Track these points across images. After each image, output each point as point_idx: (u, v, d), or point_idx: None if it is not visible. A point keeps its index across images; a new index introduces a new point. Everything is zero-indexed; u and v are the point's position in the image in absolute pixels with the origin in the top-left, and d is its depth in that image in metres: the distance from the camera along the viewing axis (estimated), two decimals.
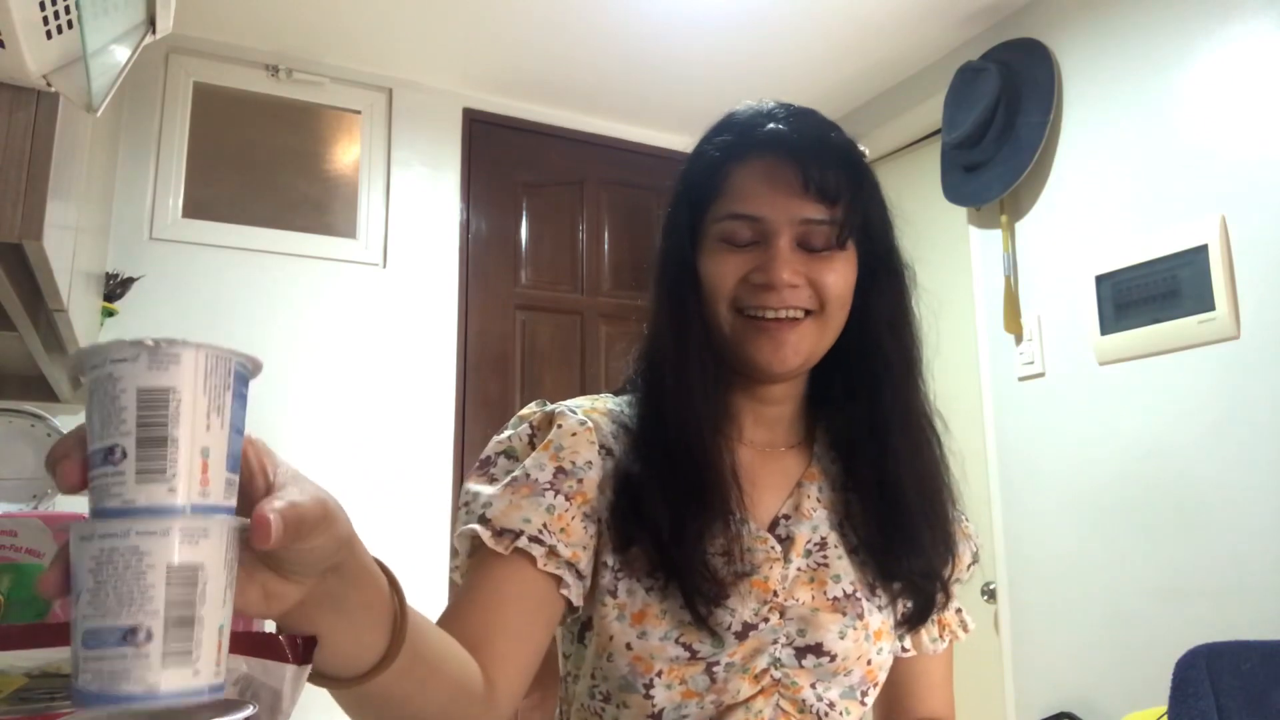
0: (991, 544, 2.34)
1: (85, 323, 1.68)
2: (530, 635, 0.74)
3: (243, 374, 0.58)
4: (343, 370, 2.55)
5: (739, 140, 0.84)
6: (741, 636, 0.78)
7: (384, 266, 2.67)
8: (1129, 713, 1.74)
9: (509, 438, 0.83)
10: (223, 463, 0.56)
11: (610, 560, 0.80)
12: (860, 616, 0.82)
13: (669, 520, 0.77)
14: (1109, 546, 2.04)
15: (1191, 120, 1.95)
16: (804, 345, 0.81)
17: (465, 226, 2.82)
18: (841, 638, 0.81)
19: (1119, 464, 2.04)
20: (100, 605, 0.50)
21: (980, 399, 2.42)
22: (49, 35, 0.85)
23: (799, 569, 0.82)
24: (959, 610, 0.94)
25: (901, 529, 0.83)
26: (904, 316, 0.88)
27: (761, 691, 0.79)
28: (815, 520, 0.85)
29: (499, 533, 0.75)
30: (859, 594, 0.83)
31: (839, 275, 0.82)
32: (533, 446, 0.82)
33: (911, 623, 0.87)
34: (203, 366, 0.55)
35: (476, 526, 0.75)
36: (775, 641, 0.79)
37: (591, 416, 0.84)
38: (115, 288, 2.29)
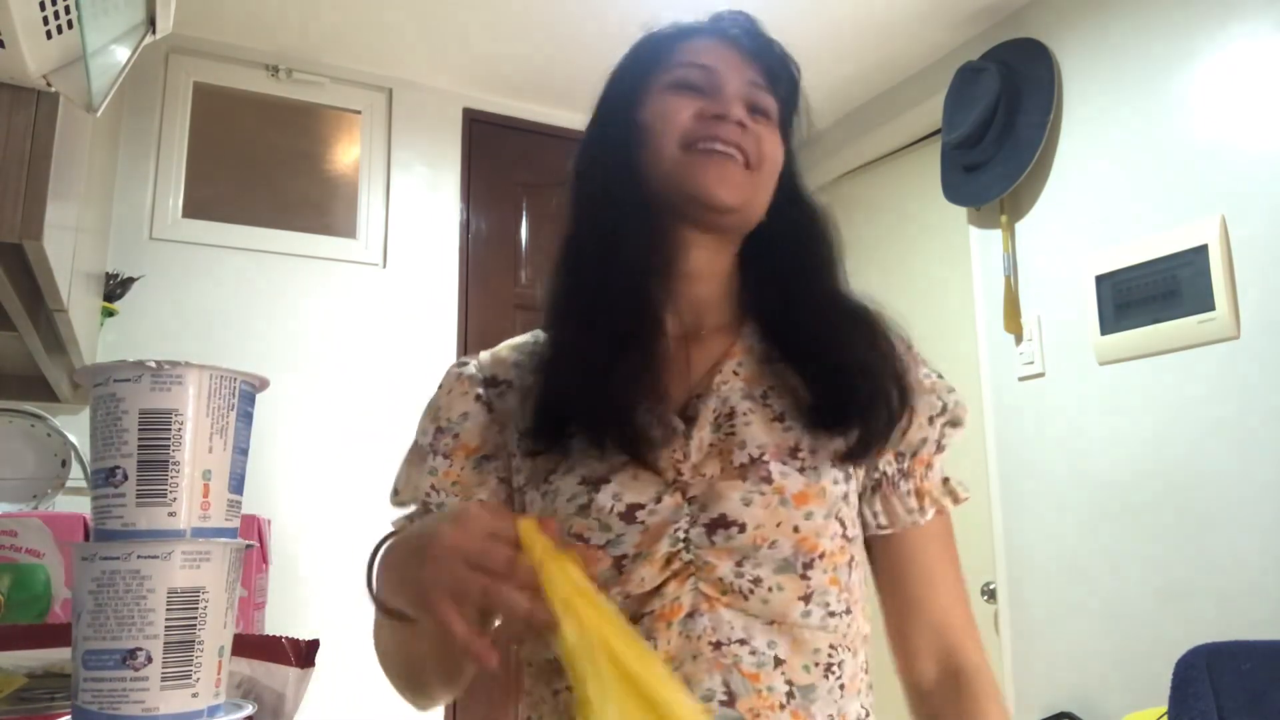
0: (991, 544, 2.34)
1: (85, 323, 1.68)
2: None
3: (248, 392, 0.58)
4: (343, 370, 2.55)
5: (688, 24, 0.89)
6: (628, 519, 0.75)
7: (384, 266, 2.67)
8: (1129, 713, 1.75)
9: (428, 405, 0.89)
10: (225, 485, 0.56)
11: (516, 478, 0.83)
12: (767, 480, 0.76)
13: (614, 381, 0.77)
14: (1109, 546, 2.04)
15: (1192, 120, 1.95)
16: (741, 187, 0.82)
17: (465, 226, 2.82)
18: (747, 505, 0.75)
19: (1119, 464, 2.04)
20: (100, 627, 0.50)
21: (980, 399, 2.42)
22: (49, 35, 0.85)
23: (710, 443, 0.79)
24: (946, 480, 0.86)
25: (829, 395, 0.80)
26: (821, 222, 0.90)
27: (674, 576, 0.74)
28: (725, 393, 0.81)
29: (407, 525, 0.83)
30: (766, 457, 0.77)
31: (771, 144, 0.85)
32: None
33: (854, 453, 0.80)
34: (206, 388, 0.55)
35: (399, 524, 0.84)
36: (677, 524, 0.75)
37: (488, 356, 0.89)
38: (115, 288, 2.29)
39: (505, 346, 0.91)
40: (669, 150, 0.82)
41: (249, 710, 0.53)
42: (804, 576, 0.75)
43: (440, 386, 0.89)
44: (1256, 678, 1.36)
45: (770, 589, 0.74)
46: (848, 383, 0.80)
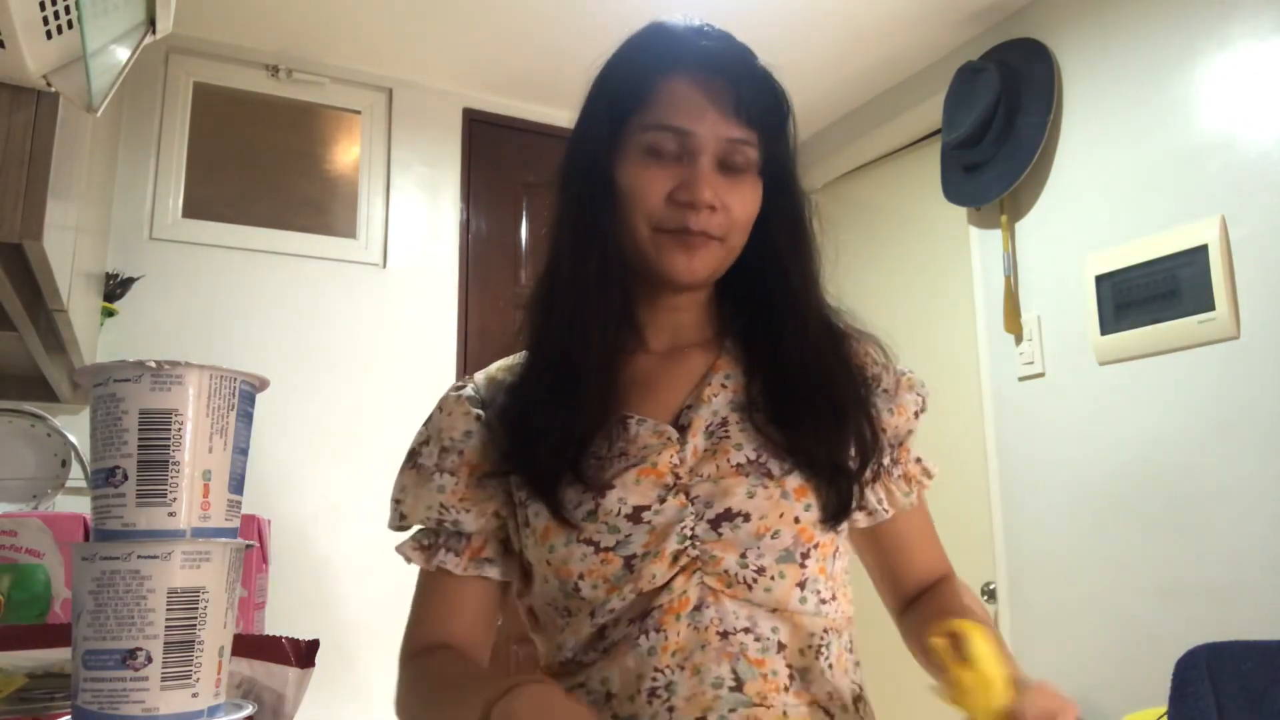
0: (992, 544, 2.34)
1: (85, 323, 1.68)
2: (485, 620, 0.88)
3: (248, 392, 0.58)
4: (343, 371, 2.55)
5: (670, 51, 0.86)
6: (635, 520, 0.79)
7: (384, 266, 2.67)
8: (1129, 713, 1.75)
9: (426, 427, 0.91)
10: (225, 485, 0.56)
11: (519, 494, 0.84)
12: (769, 475, 0.81)
13: (548, 431, 0.81)
14: (1109, 546, 2.04)
15: (1192, 120, 1.95)
16: (711, 262, 0.84)
17: (465, 226, 2.82)
18: (750, 497, 0.80)
19: (1119, 464, 2.04)
20: (100, 627, 0.50)
21: (980, 399, 2.42)
22: (49, 35, 0.85)
23: (704, 449, 0.83)
24: (919, 460, 0.93)
25: (800, 413, 0.84)
26: (803, 236, 0.90)
27: (681, 571, 0.78)
28: (716, 405, 0.85)
29: (421, 546, 0.87)
30: (764, 458, 0.82)
31: (746, 201, 0.84)
32: None
33: (836, 514, 0.84)
34: (206, 388, 0.55)
35: (407, 545, 0.88)
36: (682, 522, 0.79)
37: (483, 378, 0.92)
38: (115, 288, 2.29)
39: (498, 368, 0.94)
40: (641, 229, 0.83)
41: (249, 710, 0.53)
42: (802, 565, 0.81)
43: (440, 409, 0.91)
44: (1256, 678, 1.36)
45: (773, 578, 0.79)
46: (826, 468, 0.84)
